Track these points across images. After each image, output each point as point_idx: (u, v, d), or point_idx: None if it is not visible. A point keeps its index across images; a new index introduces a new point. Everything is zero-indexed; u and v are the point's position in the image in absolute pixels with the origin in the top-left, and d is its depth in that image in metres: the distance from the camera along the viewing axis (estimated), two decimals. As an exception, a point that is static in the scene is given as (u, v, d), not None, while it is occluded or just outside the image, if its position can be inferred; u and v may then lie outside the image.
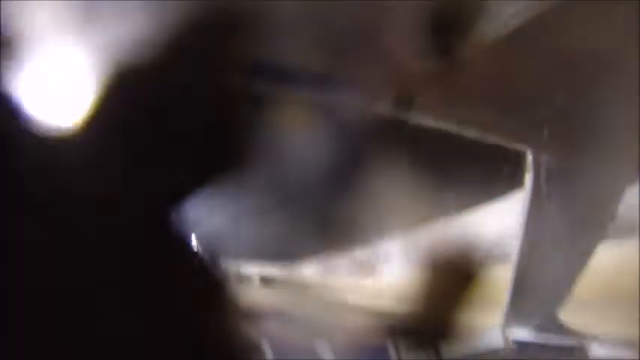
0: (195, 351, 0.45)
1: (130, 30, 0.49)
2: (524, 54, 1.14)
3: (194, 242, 0.54)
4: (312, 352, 1.28)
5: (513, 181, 1.59)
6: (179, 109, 0.49)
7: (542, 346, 1.49)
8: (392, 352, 0.98)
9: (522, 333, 1.56)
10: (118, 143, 0.46)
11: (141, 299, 0.43)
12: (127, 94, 0.47)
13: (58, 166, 0.42)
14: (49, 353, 0.38)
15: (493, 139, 1.43)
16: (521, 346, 1.54)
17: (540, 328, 1.52)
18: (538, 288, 1.54)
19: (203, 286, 0.50)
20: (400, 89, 1.12)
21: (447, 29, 0.92)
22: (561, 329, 1.50)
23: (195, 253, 0.53)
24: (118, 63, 0.48)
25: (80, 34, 0.52)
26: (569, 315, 1.53)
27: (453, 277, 0.98)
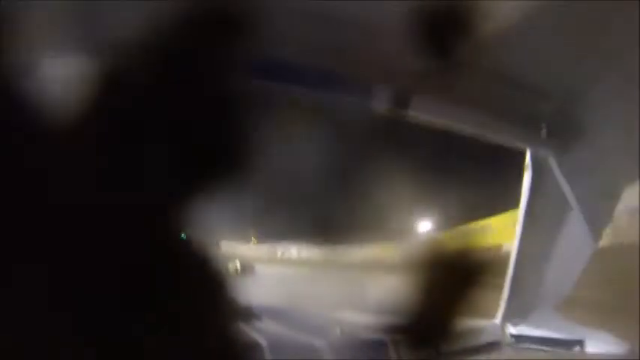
0: (195, 351, 0.45)
1: (129, 30, 0.49)
2: (523, 52, 1.14)
3: (194, 241, 0.54)
4: (312, 351, 1.29)
5: (513, 180, 1.59)
6: (179, 109, 0.49)
7: (541, 342, 1.50)
8: (392, 351, 0.98)
9: (521, 328, 1.56)
10: (116, 143, 0.46)
11: (141, 299, 0.43)
12: (125, 94, 0.47)
13: (57, 166, 0.42)
14: (53, 353, 0.38)
15: (492, 138, 1.43)
16: (520, 341, 1.55)
17: (539, 324, 1.53)
18: (537, 283, 1.55)
19: (203, 286, 0.51)
20: (399, 89, 1.12)
21: (446, 29, 0.92)
22: (560, 324, 1.50)
23: (196, 253, 0.53)
24: (115, 63, 0.48)
25: (79, 33, 0.52)
26: (568, 310, 1.54)
27: (453, 276, 0.98)
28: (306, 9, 0.92)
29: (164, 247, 0.47)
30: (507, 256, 1.60)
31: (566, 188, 1.45)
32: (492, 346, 1.52)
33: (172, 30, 0.48)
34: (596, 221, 1.46)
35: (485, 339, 1.51)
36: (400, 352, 0.96)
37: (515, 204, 1.61)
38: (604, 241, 1.46)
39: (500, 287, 1.58)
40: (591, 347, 1.40)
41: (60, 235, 0.40)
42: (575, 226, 1.47)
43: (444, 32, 0.93)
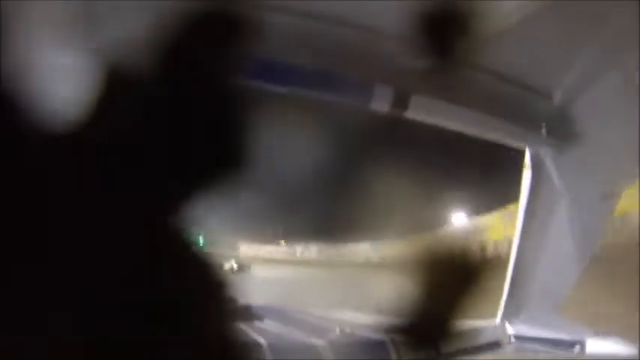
0: (195, 351, 0.45)
1: (129, 30, 0.49)
2: (523, 52, 1.14)
3: (194, 242, 0.54)
4: (312, 351, 1.29)
5: (512, 179, 1.59)
6: (179, 110, 0.49)
7: (541, 342, 1.50)
8: (392, 351, 0.98)
9: (521, 328, 1.56)
10: (117, 144, 0.46)
11: (141, 299, 0.43)
12: (125, 94, 0.47)
13: (58, 166, 0.42)
14: (51, 354, 0.38)
15: (492, 137, 1.43)
16: (520, 341, 1.55)
17: (539, 324, 1.53)
18: (537, 283, 1.55)
19: (203, 286, 0.50)
20: (399, 89, 1.12)
21: (446, 29, 0.92)
22: (560, 324, 1.50)
23: (196, 253, 0.53)
24: (117, 63, 0.48)
25: (80, 34, 0.52)
26: (568, 310, 1.54)
27: (453, 276, 0.98)
28: (306, 9, 0.92)
29: (164, 247, 0.47)
30: (507, 255, 1.60)
31: (565, 187, 1.45)
32: (492, 346, 1.52)
33: (173, 30, 0.48)
34: (596, 220, 1.46)
35: (485, 339, 1.51)
36: (400, 351, 0.96)
37: (514, 202, 1.61)
38: (603, 241, 1.46)
39: (501, 287, 1.58)
40: (591, 347, 1.40)
41: (60, 234, 0.40)
42: (574, 226, 1.47)
43: (444, 32, 0.93)
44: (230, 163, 0.52)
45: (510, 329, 1.57)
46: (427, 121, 1.28)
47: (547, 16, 0.99)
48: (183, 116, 0.49)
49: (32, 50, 0.47)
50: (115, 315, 0.40)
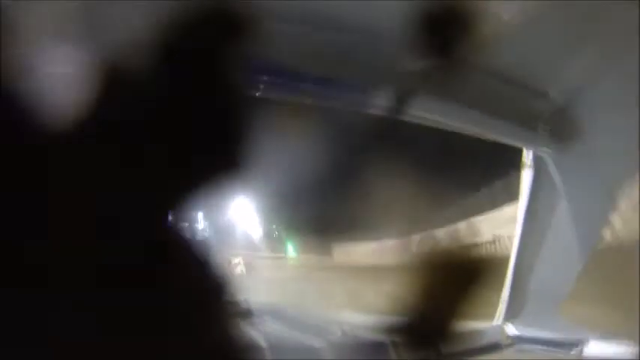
0: (195, 351, 0.45)
1: (129, 30, 0.49)
2: (523, 52, 1.15)
3: (194, 242, 0.54)
4: (312, 352, 1.28)
5: (512, 179, 1.59)
6: (178, 110, 0.49)
7: (541, 342, 1.50)
8: (392, 352, 0.98)
9: (521, 329, 1.56)
10: (116, 144, 0.46)
11: (140, 300, 0.43)
12: (126, 94, 0.47)
13: (56, 166, 0.42)
14: (49, 356, 0.38)
15: (491, 137, 1.43)
16: (520, 342, 1.55)
17: (539, 324, 1.53)
18: (537, 284, 1.55)
19: (203, 287, 0.50)
20: (399, 89, 1.12)
21: (446, 29, 0.92)
22: (560, 325, 1.50)
23: (195, 254, 0.53)
24: (116, 63, 0.48)
25: (79, 33, 0.52)
26: (568, 310, 1.53)
27: (453, 276, 0.98)
28: (306, 11, 0.92)
29: (164, 247, 0.47)
30: (507, 255, 1.60)
31: (565, 188, 1.45)
32: (492, 346, 1.51)
33: (174, 30, 0.48)
34: (596, 220, 1.46)
35: (485, 340, 1.51)
36: (400, 353, 0.95)
37: (514, 202, 1.61)
38: (603, 241, 1.46)
39: (501, 287, 1.58)
40: (591, 347, 1.40)
41: (59, 234, 0.40)
42: (574, 226, 1.47)
43: (444, 32, 0.93)
44: (230, 164, 0.52)
45: (510, 330, 1.57)
46: (427, 121, 1.28)
47: (547, 16, 0.99)
48: (184, 116, 0.49)
49: (32, 50, 0.46)
50: (115, 314, 0.40)
